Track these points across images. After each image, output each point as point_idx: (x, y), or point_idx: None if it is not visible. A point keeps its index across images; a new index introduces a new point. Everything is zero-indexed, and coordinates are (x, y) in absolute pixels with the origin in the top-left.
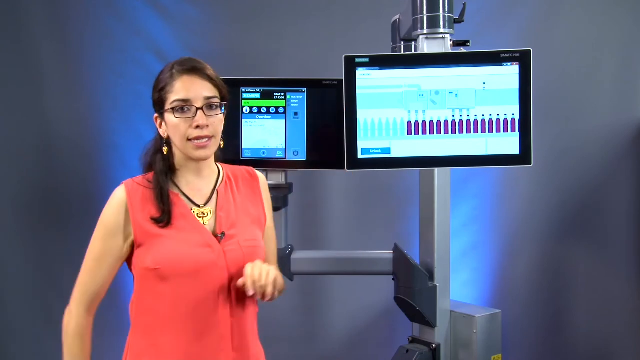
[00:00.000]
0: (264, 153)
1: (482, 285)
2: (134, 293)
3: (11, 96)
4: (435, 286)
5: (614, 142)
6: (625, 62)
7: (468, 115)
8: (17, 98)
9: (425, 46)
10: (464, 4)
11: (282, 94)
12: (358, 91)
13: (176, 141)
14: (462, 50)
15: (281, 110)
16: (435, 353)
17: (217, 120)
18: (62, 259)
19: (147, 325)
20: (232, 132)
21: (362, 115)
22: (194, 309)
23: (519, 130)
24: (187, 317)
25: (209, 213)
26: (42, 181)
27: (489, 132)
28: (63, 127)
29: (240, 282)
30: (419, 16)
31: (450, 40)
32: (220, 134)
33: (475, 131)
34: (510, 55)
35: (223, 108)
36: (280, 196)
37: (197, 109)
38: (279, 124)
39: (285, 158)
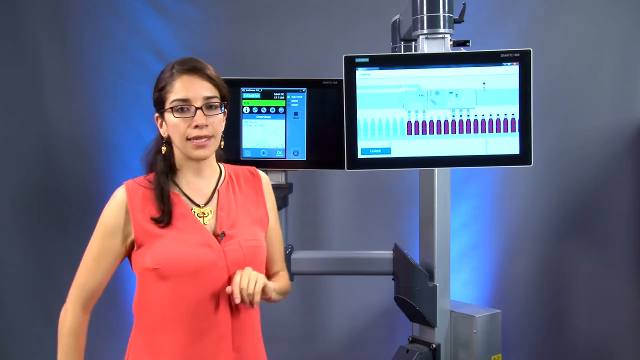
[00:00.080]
0: (264, 153)
1: (482, 285)
2: (136, 293)
3: (11, 96)
4: (435, 286)
5: (614, 142)
6: (625, 62)
7: (468, 115)
8: (17, 98)
9: (425, 46)
10: (464, 4)
11: (282, 94)
12: (358, 91)
13: (176, 141)
14: (462, 50)
15: (281, 110)
16: (435, 353)
17: (217, 120)
18: (62, 259)
19: (148, 325)
20: (232, 132)
21: (362, 115)
22: (194, 308)
23: (519, 130)
24: (187, 317)
25: (209, 213)
26: (42, 181)
27: (489, 132)
28: (63, 127)
29: (227, 290)
30: (419, 16)
31: (450, 40)
32: (220, 134)
33: (475, 131)
34: (510, 55)
35: (223, 108)
36: (280, 196)
37: (197, 108)
38: (279, 124)
39: (285, 158)
